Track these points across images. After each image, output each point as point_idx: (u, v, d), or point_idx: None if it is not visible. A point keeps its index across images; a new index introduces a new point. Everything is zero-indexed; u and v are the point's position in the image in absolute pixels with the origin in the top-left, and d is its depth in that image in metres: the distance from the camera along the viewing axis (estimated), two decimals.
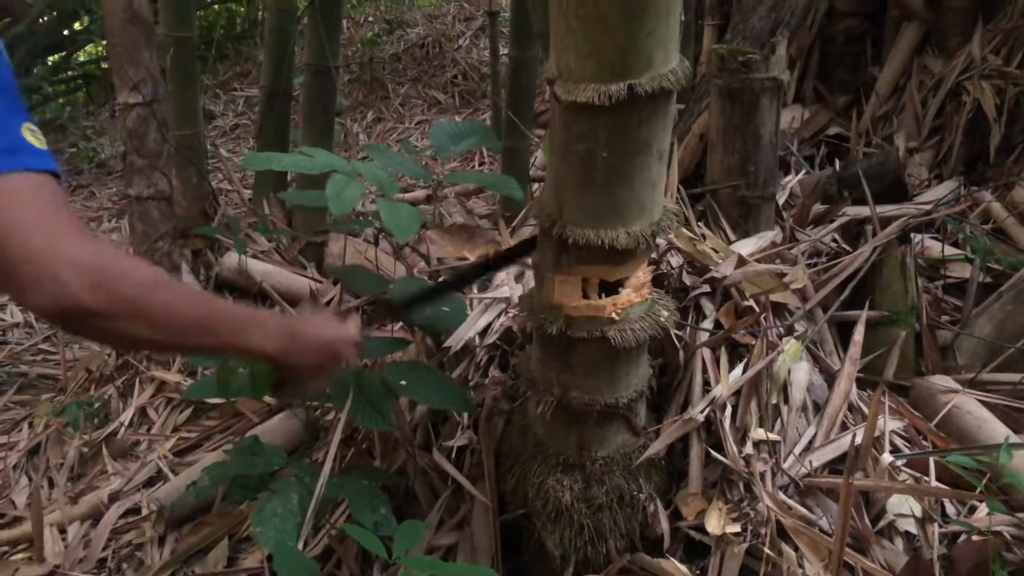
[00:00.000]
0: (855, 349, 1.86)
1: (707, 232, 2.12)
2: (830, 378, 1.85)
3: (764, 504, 1.56)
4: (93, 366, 3.09)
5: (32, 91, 6.41)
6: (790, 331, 1.87)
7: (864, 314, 1.94)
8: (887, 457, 1.67)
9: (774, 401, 1.73)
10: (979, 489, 1.56)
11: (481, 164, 5.51)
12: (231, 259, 3.24)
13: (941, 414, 1.85)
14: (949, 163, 3.24)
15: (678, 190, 2.24)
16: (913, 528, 1.60)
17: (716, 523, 1.57)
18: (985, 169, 3.19)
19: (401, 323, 1.67)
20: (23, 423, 2.92)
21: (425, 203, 4.45)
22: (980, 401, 1.88)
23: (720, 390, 1.68)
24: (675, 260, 1.96)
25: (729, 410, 1.68)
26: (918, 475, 1.68)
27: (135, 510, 2.34)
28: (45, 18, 6.86)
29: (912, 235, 2.30)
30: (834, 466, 1.69)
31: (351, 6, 8.46)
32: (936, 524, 1.60)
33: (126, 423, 2.73)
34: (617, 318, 1.43)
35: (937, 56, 3.41)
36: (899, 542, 1.59)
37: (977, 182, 3.11)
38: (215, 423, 2.69)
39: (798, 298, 1.99)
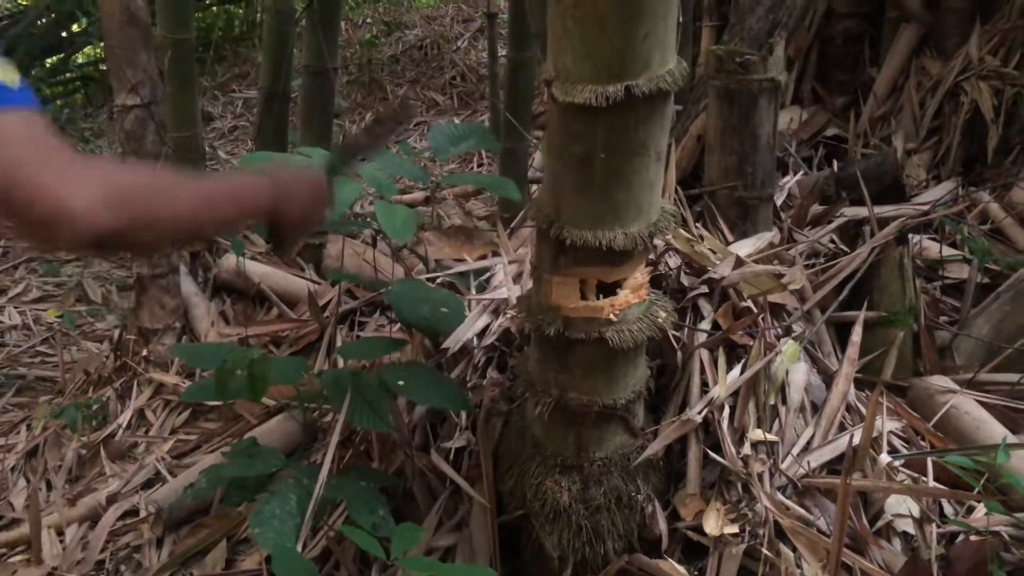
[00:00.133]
0: (853, 350, 1.86)
1: (705, 233, 2.12)
2: (828, 379, 1.85)
3: (762, 505, 1.57)
4: (91, 368, 3.09)
5: None
6: (788, 332, 1.87)
7: (862, 315, 1.94)
8: (885, 457, 1.67)
9: (772, 402, 1.73)
10: (977, 489, 1.56)
11: (480, 165, 5.51)
12: (229, 261, 3.24)
13: (939, 414, 1.85)
14: (947, 164, 3.24)
15: (676, 191, 2.24)
16: (911, 528, 1.60)
17: (714, 524, 1.57)
18: (983, 170, 3.20)
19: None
20: (21, 425, 2.92)
21: (424, 205, 4.45)
22: (978, 401, 1.88)
23: (718, 391, 1.69)
24: (673, 261, 1.96)
25: (727, 411, 1.68)
26: (916, 475, 1.68)
27: (133, 512, 2.34)
28: (43, 20, 6.86)
29: (910, 236, 2.30)
30: (832, 466, 1.69)
31: (349, 8, 8.46)
32: (934, 524, 1.60)
33: (124, 425, 2.73)
34: (615, 319, 1.43)
35: (935, 57, 3.42)
36: (897, 542, 1.59)
37: (975, 183, 3.12)
38: (213, 425, 2.69)
39: (796, 299, 1.99)
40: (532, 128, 3.85)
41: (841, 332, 2.03)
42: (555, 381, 1.53)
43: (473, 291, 2.21)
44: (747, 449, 1.64)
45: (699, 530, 1.60)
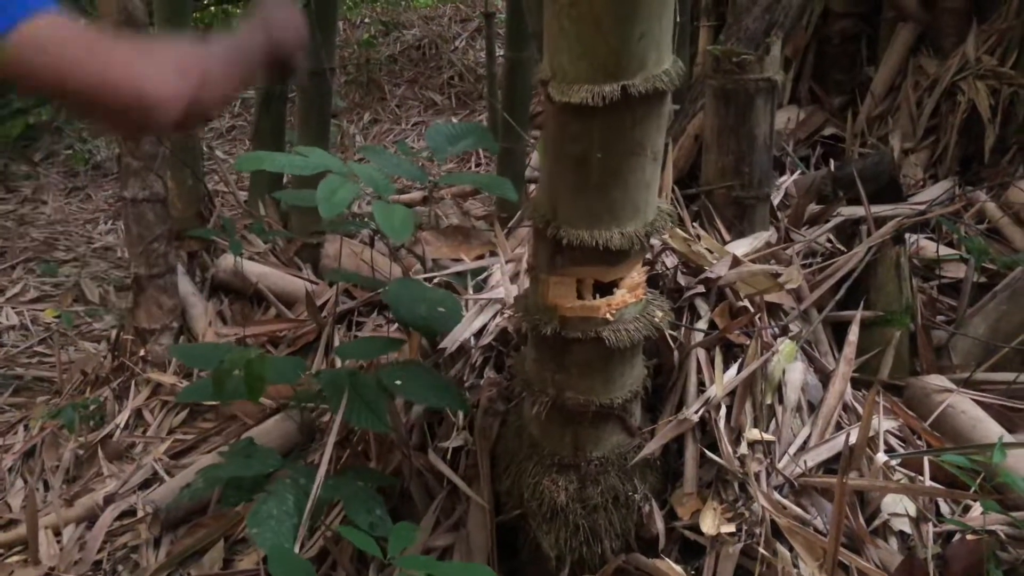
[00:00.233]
0: (850, 349, 1.86)
1: (702, 232, 2.12)
2: (825, 378, 1.85)
3: (759, 504, 1.57)
4: (88, 368, 3.09)
5: None
6: (785, 331, 1.88)
7: (859, 314, 1.94)
8: (882, 457, 1.67)
9: (769, 401, 1.73)
10: (973, 488, 1.56)
11: (478, 165, 5.52)
12: (227, 261, 3.24)
13: (936, 414, 1.85)
14: (944, 163, 3.24)
15: (673, 190, 2.24)
16: (908, 527, 1.60)
17: (711, 523, 1.57)
18: (980, 169, 3.20)
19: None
20: (18, 425, 2.92)
21: (421, 204, 4.45)
22: (975, 401, 1.88)
23: (715, 390, 1.69)
24: (670, 261, 1.96)
25: (724, 410, 1.68)
26: (913, 475, 1.68)
27: (130, 512, 2.34)
28: None
29: (907, 235, 2.31)
30: (829, 466, 1.69)
31: (347, 8, 8.46)
32: (931, 523, 1.60)
33: (122, 425, 2.73)
34: (612, 319, 1.43)
35: (932, 57, 3.42)
36: (894, 542, 1.59)
37: (972, 182, 3.12)
38: (211, 425, 2.69)
39: (793, 298, 1.99)
40: (530, 128, 3.85)
41: (838, 331, 2.03)
42: (552, 381, 1.53)
43: (470, 291, 2.22)
44: (744, 448, 1.64)
45: (696, 529, 1.60)
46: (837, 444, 1.69)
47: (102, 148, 6.35)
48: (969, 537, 1.52)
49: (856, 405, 1.83)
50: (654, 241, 1.80)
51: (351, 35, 7.95)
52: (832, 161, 3.07)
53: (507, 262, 2.14)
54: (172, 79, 0.96)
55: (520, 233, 2.57)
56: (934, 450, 1.74)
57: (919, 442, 1.81)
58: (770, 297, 1.90)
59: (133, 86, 0.93)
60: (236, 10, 8.56)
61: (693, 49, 3.92)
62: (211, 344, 2.65)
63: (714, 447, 1.65)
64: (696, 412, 1.67)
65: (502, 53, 4.13)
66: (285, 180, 3.87)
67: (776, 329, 1.86)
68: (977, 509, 1.59)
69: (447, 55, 7.43)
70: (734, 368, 1.74)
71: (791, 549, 1.54)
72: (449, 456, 1.85)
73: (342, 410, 1.68)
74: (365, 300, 2.79)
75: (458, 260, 2.52)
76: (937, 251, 2.47)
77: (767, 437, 1.68)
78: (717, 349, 1.78)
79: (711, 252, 1.97)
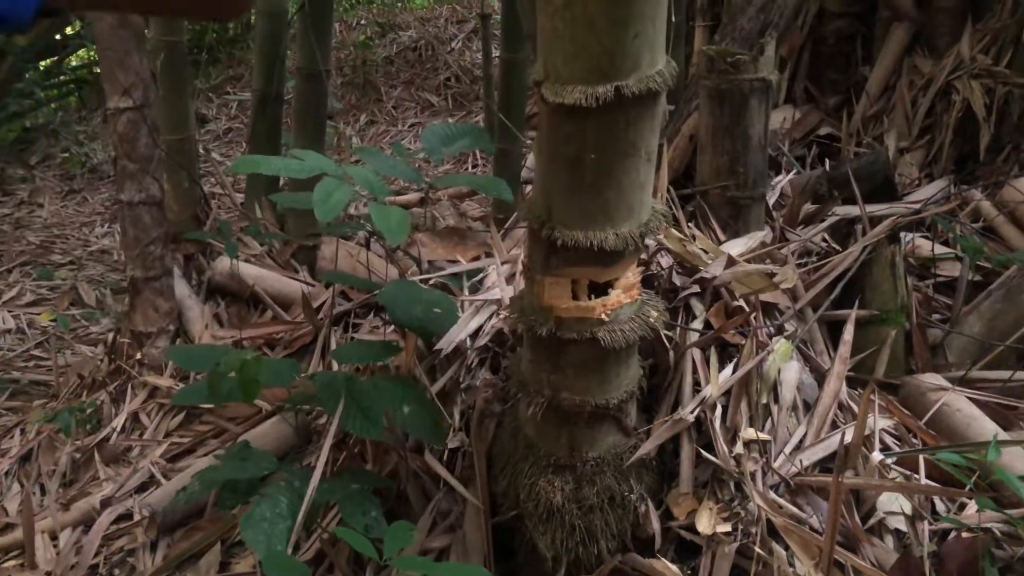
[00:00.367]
0: (845, 348, 1.87)
1: (697, 233, 2.13)
2: (820, 377, 1.85)
3: (755, 503, 1.57)
4: (85, 372, 3.09)
5: (24, 96, 6.40)
6: (780, 331, 1.88)
7: (854, 313, 1.95)
8: (877, 455, 1.67)
9: (764, 401, 1.73)
10: (968, 486, 1.56)
11: (475, 166, 5.52)
12: (223, 263, 3.24)
13: (931, 412, 1.86)
14: (939, 162, 3.25)
15: (668, 191, 2.24)
16: (903, 526, 1.61)
17: (707, 523, 1.58)
18: (975, 168, 3.20)
19: None
20: (15, 429, 2.91)
21: (418, 206, 4.45)
22: (970, 399, 1.88)
23: (710, 390, 1.69)
24: (665, 261, 1.97)
25: (719, 410, 1.69)
26: (908, 473, 1.69)
27: (127, 516, 2.34)
28: None
29: (902, 234, 2.31)
30: (824, 465, 1.69)
31: (343, 9, 8.47)
32: (926, 521, 1.60)
33: (118, 429, 2.72)
34: (607, 319, 1.43)
35: (927, 56, 3.42)
36: (889, 540, 1.60)
37: (967, 181, 3.12)
38: (207, 428, 2.68)
39: (788, 298, 1.99)
40: (526, 129, 3.86)
41: (833, 330, 2.03)
42: (548, 381, 1.53)
43: (466, 292, 2.22)
44: (739, 448, 1.64)
45: (692, 529, 1.60)
46: (833, 443, 1.69)
47: (98, 151, 6.34)
48: (964, 535, 1.52)
49: (852, 404, 1.83)
50: (649, 241, 1.81)
51: (347, 37, 7.95)
52: (827, 160, 3.08)
53: (503, 263, 2.14)
54: None
55: (516, 234, 2.57)
56: (929, 448, 1.74)
57: (914, 440, 1.81)
58: (765, 296, 1.90)
59: None
60: None
61: (688, 49, 3.92)
62: (207, 346, 2.65)
63: (710, 447, 1.65)
64: (692, 412, 1.67)
65: (498, 54, 4.13)
66: (281, 183, 3.88)
67: (771, 328, 1.86)
68: (972, 507, 1.60)
69: (443, 56, 7.44)
70: (729, 368, 1.74)
71: (787, 548, 1.54)
72: (445, 457, 1.85)
73: (338, 415, 1.68)
74: (361, 302, 2.79)
75: (454, 261, 2.52)
76: (932, 250, 2.48)
77: (763, 436, 1.68)
78: (712, 349, 1.78)
79: (706, 252, 1.97)
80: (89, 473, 2.60)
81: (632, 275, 1.45)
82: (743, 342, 1.77)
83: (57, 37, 6.99)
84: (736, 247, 2.08)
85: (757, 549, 1.53)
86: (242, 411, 2.62)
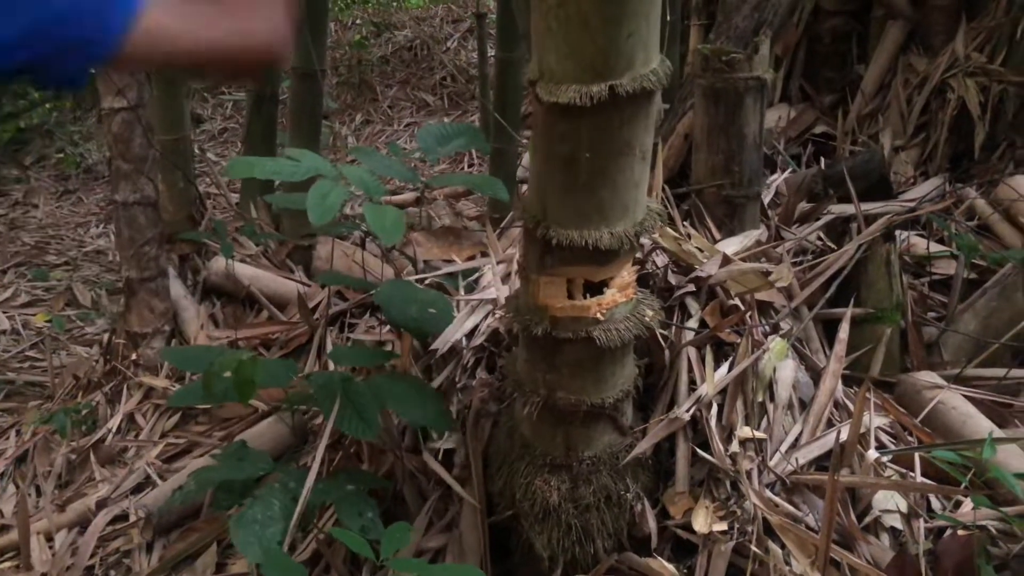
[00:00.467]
0: (840, 346, 1.87)
1: (692, 231, 2.13)
2: (816, 375, 1.86)
3: (751, 502, 1.57)
4: (80, 372, 3.08)
5: (19, 96, 6.38)
6: (775, 329, 1.88)
7: (849, 311, 1.95)
8: (873, 453, 1.68)
9: (760, 399, 1.73)
10: (964, 484, 1.56)
11: (471, 166, 5.52)
12: (218, 264, 3.23)
13: (926, 410, 1.86)
14: (934, 160, 3.26)
15: (663, 190, 2.24)
16: (899, 524, 1.61)
17: (703, 521, 1.58)
18: (970, 166, 3.22)
19: None
20: (10, 431, 2.90)
21: (414, 205, 4.44)
22: (965, 397, 1.89)
23: (706, 389, 1.69)
24: (660, 260, 1.97)
25: (715, 409, 1.69)
26: (904, 471, 1.69)
27: (123, 517, 2.33)
28: None
29: (897, 232, 2.31)
30: (820, 463, 1.69)
31: (339, 9, 8.45)
32: (922, 519, 1.61)
33: (114, 429, 2.72)
34: (602, 318, 1.43)
35: (922, 54, 3.43)
36: (885, 538, 1.60)
37: (962, 179, 3.13)
38: (203, 428, 2.68)
39: (783, 296, 2.00)
40: (522, 128, 3.85)
41: (829, 329, 2.03)
42: (543, 381, 1.53)
43: (462, 292, 2.21)
44: (735, 447, 1.64)
45: (688, 528, 1.60)
46: (828, 441, 1.69)
47: (93, 151, 6.33)
48: (960, 533, 1.52)
49: (847, 402, 1.84)
50: (644, 240, 1.80)
51: (342, 36, 7.94)
52: (823, 159, 3.09)
53: (498, 263, 2.14)
54: (281, 24, 1.04)
55: (512, 233, 2.57)
56: (925, 446, 1.75)
57: (910, 438, 1.81)
58: (761, 295, 1.91)
59: (260, 40, 1.02)
60: None
61: (683, 48, 3.93)
62: (203, 347, 2.65)
63: (706, 446, 1.65)
64: (687, 411, 1.67)
65: (493, 53, 4.13)
66: (277, 183, 3.86)
67: (767, 327, 1.86)
68: (968, 505, 1.60)
69: (439, 56, 7.43)
70: (725, 366, 1.74)
71: (783, 546, 1.54)
72: (441, 457, 1.85)
73: (334, 416, 1.67)
74: (357, 302, 2.78)
75: (450, 261, 2.52)
76: (928, 248, 2.48)
77: (758, 435, 1.68)
78: (708, 348, 1.78)
79: (701, 251, 1.97)
80: (85, 474, 2.59)
81: (627, 274, 1.45)
82: (739, 341, 1.77)
83: None
84: (731, 246, 2.08)
85: (753, 548, 1.53)
86: (238, 411, 2.62)
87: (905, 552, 1.52)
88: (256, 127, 3.80)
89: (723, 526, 1.57)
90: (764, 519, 1.56)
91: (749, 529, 1.56)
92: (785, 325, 1.92)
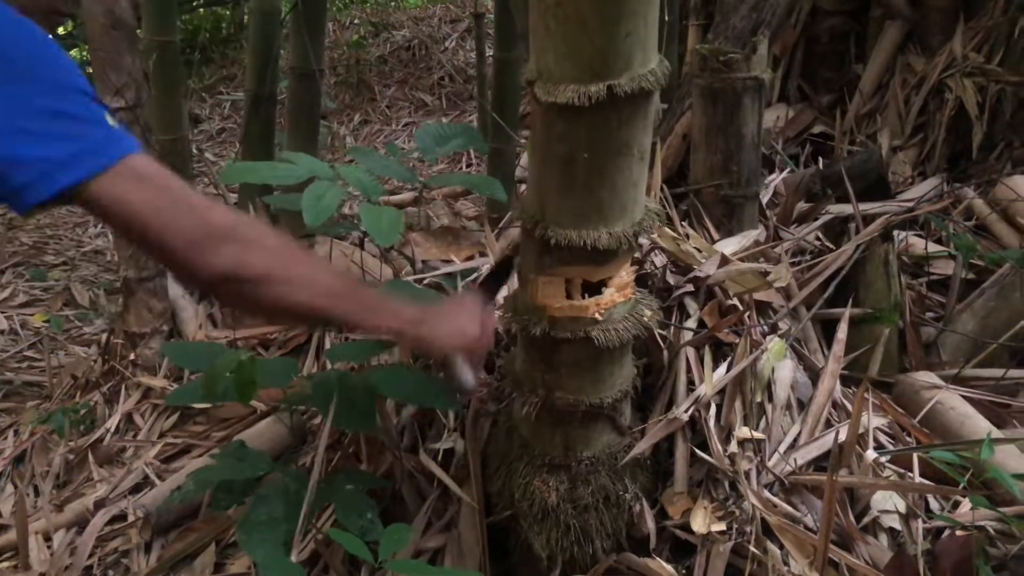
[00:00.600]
0: (839, 347, 1.87)
1: (691, 231, 2.13)
2: (814, 376, 1.86)
3: (749, 502, 1.57)
4: (79, 372, 3.08)
5: None
6: (774, 329, 1.88)
7: (847, 312, 1.95)
8: (871, 454, 1.68)
9: (758, 399, 1.73)
10: (962, 484, 1.56)
11: (469, 166, 5.51)
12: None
13: (925, 410, 1.86)
14: (932, 160, 3.26)
15: (662, 189, 2.24)
16: (897, 524, 1.61)
17: (702, 522, 1.58)
18: (968, 166, 3.22)
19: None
20: (8, 431, 2.90)
21: (412, 205, 4.44)
22: (963, 397, 1.89)
23: (704, 389, 1.69)
24: (659, 260, 1.97)
25: (714, 409, 1.69)
26: (902, 471, 1.69)
27: (121, 517, 2.33)
28: None
29: (895, 232, 2.31)
30: (819, 463, 1.69)
31: (337, 9, 8.46)
32: (920, 520, 1.61)
33: (112, 429, 2.71)
34: (600, 318, 1.43)
35: (920, 54, 3.44)
36: (883, 538, 1.60)
37: (960, 179, 3.14)
38: (201, 428, 2.67)
39: (782, 296, 2.00)
40: (520, 128, 3.85)
41: (827, 329, 2.04)
42: (542, 381, 1.53)
43: (460, 291, 2.21)
44: (734, 447, 1.64)
45: (687, 528, 1.60)
46: (827, 441, 1.69)
47: None
48: (958, 533, 1.53)
49: (846, 402, 1.84)
50: (643, 240, 1.80)
51: (340, 36, 7.94)
52: (821, 159, 3.09)
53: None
54: (232, 256, 1.03)
55: (510, 233, 2.57)
56: (923, 447, 1.75)
57: (908, 439, 1.81)
58: (759, 295, 1.91)
59: (183, 243, 1.02)
60: (225, 11, 8.55)
61: (682, 48, 3.93)
62: (203, 343, 2.64)
63: (704, 446, 1.65)
64: (686, 411, 1.67)
65: (491, 53, 4.13)
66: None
67: (765, 327, 1.86)
68: (966, 505, 1.60)
69: (437, 56, 7.43)
70: (723, 367, 1.75)
71: (781, 547, 1.54)
72: (440, 457, 1.85)
73: (331, 415, 1.67)
74: None
75: (448, 261, 2.52)
76: (926, 248, 2.48)
77: (757, 435, 1.68)
78: (706, 348, 1.78)
79: (700, 251, 1.98)
80: (83, 474, 2.59)
81: (626, 274, 1.45)
82: (737, 341, 1.77)
83: (49, 38, 6.95)
84: (730, 246, 2.08)
85: (752, 548, 1.53)
86: (237, 411, 2.61)
87: (903, 552, 1.52)
88: (254, 127, 3.80)
89: (721, 526, 1.57)
90: (763, 519, 1.56)
91: (748, 529, 1.56)
92: (783, 325, 1.92)
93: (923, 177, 3.20)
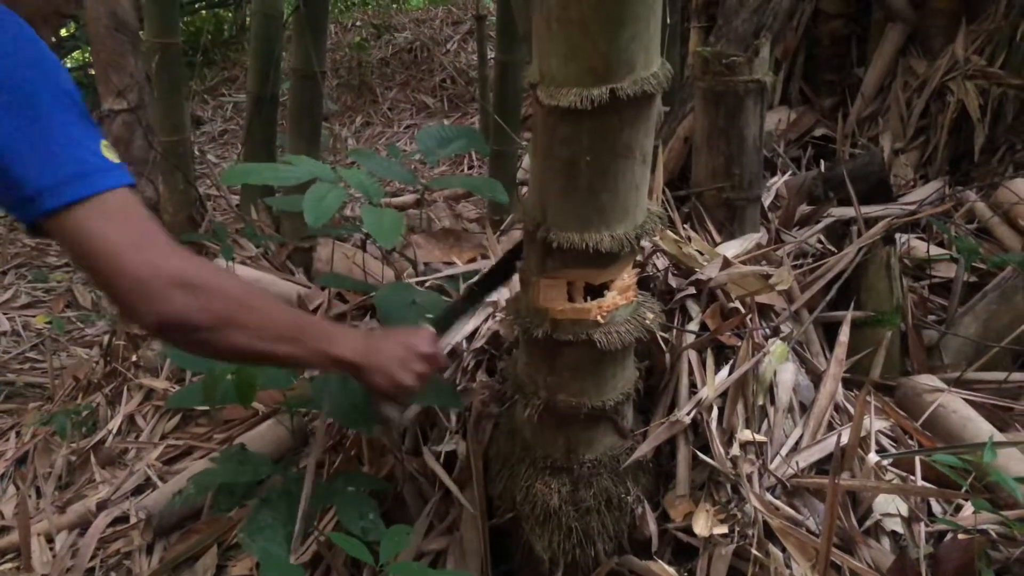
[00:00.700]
0: (841, 349, 1.87)
1: (692, 234, 2.13)
2: (816, 379, 1.86)
3: (751, 505, 1.57)
4: (81, 374, 3.08)
5: None
6: (776, 332, 1.88)
7: (849, 314, 1.95)
8: (873, 457, 1.68)
9: (760, 402, 1.73)
10: (964, 488, 1.56)
11: (470, 168, 5.52)
12: (219, 265, 3.23)
13: (927, 413, 1.86)
14: (934, 163, 3.26)
15: (663, 192, 2.24)
16: (899, 527, 1.61)
17: (704, 525, 1.58)
18: (970, 169, 3.22)
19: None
20: (10, 432, 2.91)
21: (414, 207, 4.45)
22: (965, 400, 1.89)
23: (706, 392, 1.69)
24: (661, 262, 1.97)
25: (716, 412, 1.68)
26: (904, 474, 1.69)
27: (123, 518, 2.33)
28: None
29: (897, 235, 2.31)
30: (821, 466, 1.69)
31: (339, 11, 8.47)
32: (922, 523, 1.61)
33: (114, 431, 2.72)
34: (603, 321, 1.43)
35: (921, 57, 3.44)
36: (886, 541, 1.60)
37: (962, 182, 3.13)
38: (203, 430, 2.68)
39: (784, 299, 1.99)
40: (521, 130, 3.85)
41: (829, 332, 2.03)
42: (544, 383, 1.53)
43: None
44: (736, 450, 1.64)
45: (689, 531, 1.60)
46: (829, 445, 1.69)
47: None
48: (961, 536, 1.52)
49: (848, 405, 1.84)
50: (645, 243, 1.80)
51: (342, 38, 7.95)
52: (823, 162, 3.09)
53: None
54: (182, 303, 1.03)
55: (512, 236, 2.57)
56: (925, 450, 1.75)
57: (910, 442, 1.81)
58: (761, 298, 1.91)
59: (134, 285, 1.02)
60: (227, 13, 8.56)
61: (684, 50, 3.93)
62: None
63: (706, 449, 1.65)
64: (688, 414, 1.67)
65: (493, 56, 4.13)
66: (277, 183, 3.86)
67: (767, 330, 1.86)
68: (968, 508, 1.60)
69: (439, 58, 7.43)
70: (725, 369, 1.74)
71: (784, 550, 1.54)
72: (442, 460, 1.85)
73: (328, 414, 1.67)
74: (358, 304, 2.78)
75: (450, 263, 2.52)
76: (928, 251, 2.48)
77: (759, 438, 1.68)
78: (708, 351, 1.78)
79: (702, 254, 1.98)
80: (85, 476, 2.59)
81: (628, 277, 1.45)
82: (739, 344, 1.77)
83: (52, 40, 6.96)
84: (732, 249, 2.08)
85: (754, 551, 1.53)
86: (238, 414, 2.62)
87: (906, 556, 1.52)
88: (256, 129, 3.80)
89: (724, 529, 1.57)
90: (765, 522, 1.56)
91: (750, 532, 1.56)
92: (785, 328, 1.92)
93: (925, 180, 3.20)
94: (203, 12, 8.39)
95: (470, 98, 6.80)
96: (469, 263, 2.45)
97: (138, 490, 2.44)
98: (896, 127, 3.40)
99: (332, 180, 1.80)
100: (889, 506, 1.63)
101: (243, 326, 1.11)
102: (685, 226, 2.18)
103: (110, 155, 1.04)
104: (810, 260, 2.23)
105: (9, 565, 2.25)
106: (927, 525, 1.61)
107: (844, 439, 1.66)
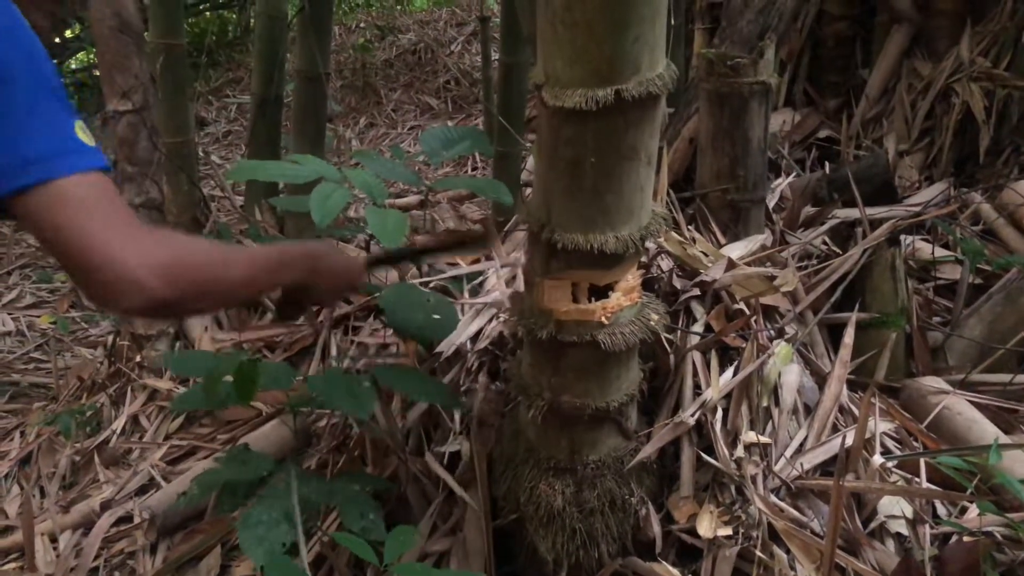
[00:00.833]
0: (845, 351, 1.87)
1: (697, 236, 2.13)
2: (821, 380, 1.85)
3: (755, 507, 1.57)
4: (85, 374, 3.09)
5: None
6: (780, 334, 1.88)
7: (854, 316, 1.95)
8: (878, 459, 1.67)
9: (765, 404, 1.73)
10: (969, 490, 1.56)
11: (474, 169, 5.52)
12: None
13: (932, 415, 1.85)
14: (939, 165, 3.25)
15: (668, 194, 2.24)
16: (904, 529, 1.60)
17: (708, 526, 1.57)
18: (975, 170, 3.21)
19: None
20: (15, 432, 2.91)
21: (418, 208, 4.45)
22: (970, 402, 1.88)
23: (711, 393, 1.69)
24: (665, 264, 1.97)
25: (720, 413, 1.68)
26: (909, 476, 1.69)
27: (127, 518, 2.34)
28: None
29: (902, 237, 2.31)
30: (825, 468, 1.69)
31: (343, 12, 8.47)
32: (927, 525, 1.60)
33: (118, 431, 2.72)
34: (607, 322, 1.43)
35: (926, 59, 3.43)
36: (890, 543, 1.60)
37: (967, 184, 3.12)
38: (207, 431, 2.68)
39: (788, 301, 1.99)
40: (525, 132, 3.85)
41: (834, 334, 2.03)
42: (548, 384, 1.53)
43: (466, 295, 2.21)
44: (740, 451, 1.64)
45: (693, 532, 1.60)
46: (833, 446, 1.69)
47: None
48: (965, 539, 1.52)
49: (852, 407, 1.83)
50: (649, 244, 1.80)
51: (347, 40, 7.96)
52: (827, 163, 3.08)
53: (503, 266, 2.14)
54: (155, 275, 1.01)
55: (516, 237, 2.57)
56: (930, 452, 1.74)
57: (915, 444, 1.81)
58: (766, 300, 1.90)
59: (113, 267, 0.99)
60: (231, 15, 8.57)
61: (688, 52, 3.92)
62: (204, 352, 2.65)
63: (710, 450, 1.65)
64: (692, 415, 1.67)
65: (497, 57, 4.13)
66: (281, 185, 3.87)
67: (772, 332, 1.86)
68: (973, 511, 1.60)
69: (443, 59, 7.44)
70: (730, 371, 1.74)
71: (788, 552, 1.54)
72: (446, 460, 1.85)
73: (328, 413, 1.67)
74: (362, 304, 2.79)
75: (454, 264, 2.52)
76: (932, 253, 2.47)
77: (763, 440, 1.68)
78: (713, 352, 1.78)
79: (706, 255, 1.97)
80: (89, 476, 2.60)
81: (632, 278, 1.45)
82: (743, 345, 1.77)
83: (56, 40, 6.98)
84: (736, 250, 2.08)
85: (758, 553, 1.53)
86: (241, 414, 2.62)
87: (910, 558, 1.52)
88: (260, 130, 3.81)
89: (728, 531, 1.57)
90: (769, 524, 1.56)
91: (754, 534, 1.56)
92: (790, 330, 1.92)
93: (930, 181, 3.19)
94: (207, 13, 8.41)
95: (474, 99, 6.80)
96: (473, 264, 2.44)
97: (142, 490, 2.45)
98: (900, 129, 3.39)
99: (337, 180, 1.80)
100: (894, 508, 1.63)
101: (214, 294, 1.15)
102: (689, 227, 2.18)
103: (84, 137, 1.02)
104: (815, 262, 2.22)
105: (13, 565, 2.25)
106: (932, 527, 1.60)
107: (849, 441, 1.66)
